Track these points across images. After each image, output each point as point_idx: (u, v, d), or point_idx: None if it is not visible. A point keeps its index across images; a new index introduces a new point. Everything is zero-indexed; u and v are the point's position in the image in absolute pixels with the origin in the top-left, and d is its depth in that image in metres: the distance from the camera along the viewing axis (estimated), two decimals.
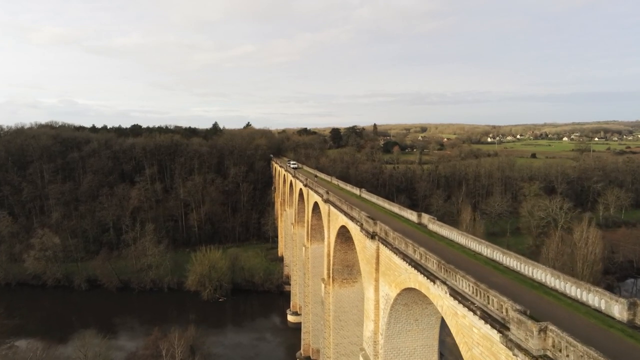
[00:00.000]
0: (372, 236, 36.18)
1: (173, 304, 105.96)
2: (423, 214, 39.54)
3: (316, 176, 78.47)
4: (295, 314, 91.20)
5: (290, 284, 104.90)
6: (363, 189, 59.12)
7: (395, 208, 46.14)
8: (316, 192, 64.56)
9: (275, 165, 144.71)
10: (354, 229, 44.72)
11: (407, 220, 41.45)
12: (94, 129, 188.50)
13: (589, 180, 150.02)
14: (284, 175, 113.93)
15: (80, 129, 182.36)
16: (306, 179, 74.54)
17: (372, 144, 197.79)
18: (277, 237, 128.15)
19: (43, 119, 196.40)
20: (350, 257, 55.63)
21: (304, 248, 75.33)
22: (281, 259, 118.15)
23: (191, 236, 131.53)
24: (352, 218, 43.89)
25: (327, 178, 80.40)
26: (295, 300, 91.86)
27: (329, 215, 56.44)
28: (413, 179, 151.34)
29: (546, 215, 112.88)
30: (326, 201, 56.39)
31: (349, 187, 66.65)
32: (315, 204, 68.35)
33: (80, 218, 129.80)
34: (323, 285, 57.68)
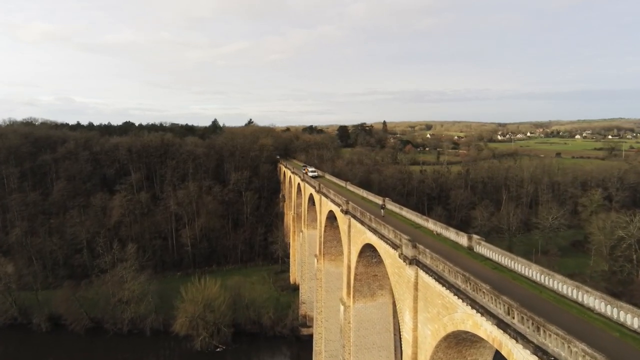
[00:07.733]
0: None
1: (157, 353, 78.22)
2: None
3: (384, 207, 46.02)
4: None
5: (309, 326, 77.74)
6: (474, 236, 30.95)
7: (580, 293, 18.12)
8: (377, 233, 36.60)
9: (284, 169, 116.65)
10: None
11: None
12: (76, 126, 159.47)
13: None
14: (299, 184, 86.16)
15: (61, 126, 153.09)
16: (347, 203, 46.59)
17: (392, 144, 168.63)
18: (288, 257, 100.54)
19: (41, 117, 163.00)
20: None
21: (342, 307, 47.47)
22: (294, 289, 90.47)
23: (183, 257, 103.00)
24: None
25: (377, 200, 51.94)
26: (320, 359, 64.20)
27: (416, 289, 28.73)
28: (444, 185, 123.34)
29: (629, 235, 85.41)
30: (412, 262, 28.62)
31: (432, 225, 37.71)
32: (368, 246, 40.69)
33: (48, 235, 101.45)
34: None
